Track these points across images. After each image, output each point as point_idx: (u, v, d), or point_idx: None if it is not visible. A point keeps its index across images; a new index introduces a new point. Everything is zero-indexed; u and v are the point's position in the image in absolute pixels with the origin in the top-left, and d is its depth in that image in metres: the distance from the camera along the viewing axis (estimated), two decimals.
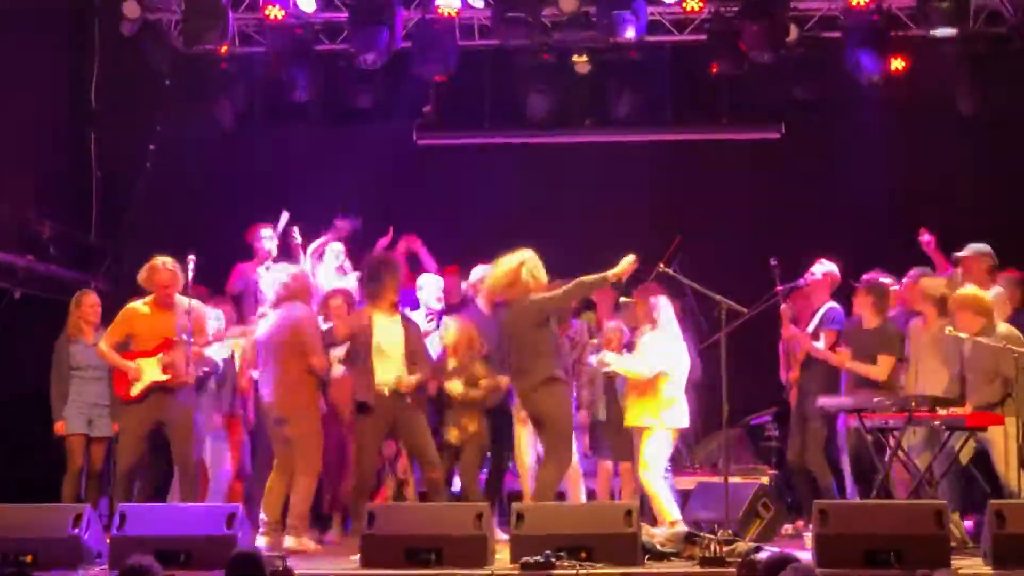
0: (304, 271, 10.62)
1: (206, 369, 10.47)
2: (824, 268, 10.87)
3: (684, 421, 10.13)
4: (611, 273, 9.83)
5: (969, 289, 9.91)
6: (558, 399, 9.81)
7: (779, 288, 10.67)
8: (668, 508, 9.85)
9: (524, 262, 9.86)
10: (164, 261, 10.05)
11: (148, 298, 10.12)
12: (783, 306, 10.75)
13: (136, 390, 9.94)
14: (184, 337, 9.91)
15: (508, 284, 9.90)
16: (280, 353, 10.01)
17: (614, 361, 10.14)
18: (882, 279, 10.63)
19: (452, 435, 10.28)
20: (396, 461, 10.69)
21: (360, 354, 10.05)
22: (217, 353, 10.61)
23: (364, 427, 10.04)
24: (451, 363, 10.35)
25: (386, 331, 10.06)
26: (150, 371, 9.94)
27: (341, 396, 10.52)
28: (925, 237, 11.21)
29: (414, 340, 10.13)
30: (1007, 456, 9.36)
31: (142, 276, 10.12)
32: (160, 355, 9.95)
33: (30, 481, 10.84)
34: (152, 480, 10.49)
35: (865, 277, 10.65)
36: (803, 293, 11.02)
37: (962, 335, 9.66)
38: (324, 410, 10.44)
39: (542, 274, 9.89)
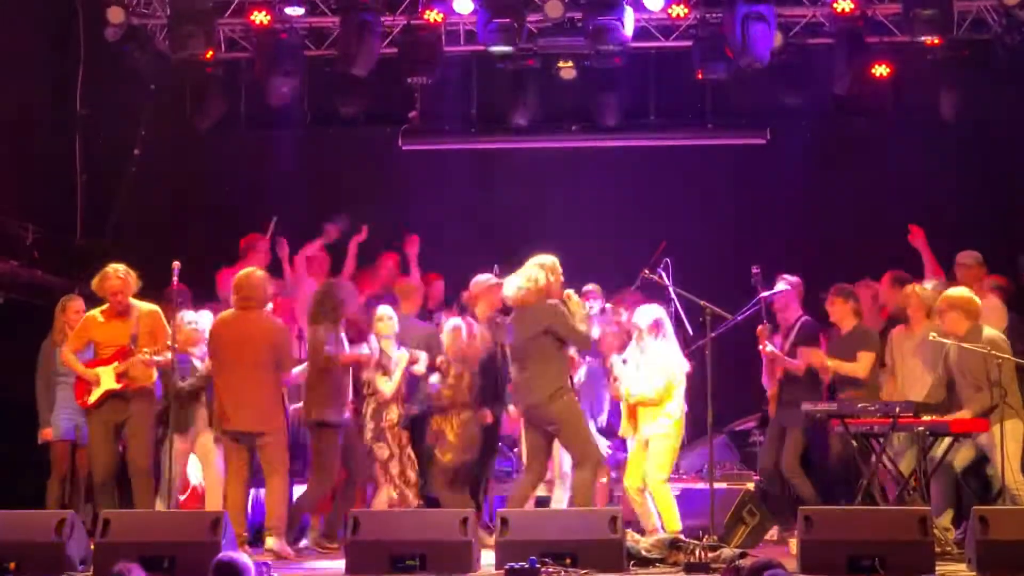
0: (261, 275, 10.21)
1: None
2: (787, 282, 10.89)
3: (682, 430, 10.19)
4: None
5: (960, 290, 9.92)
6: (570, 406, 9.85)
7: (763, 294, 10.69)
8: (673, 519, 9.82)
9: (551, 268, 9.86)
10: (116, 268, 10.01)
11: (104, 306, 10.11)
12: (760, 327, 10.75)
13: (93, 398, 9.96)
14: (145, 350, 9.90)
15: (537, 291, 9.84)
16: (249, 362, 9.83)
17: (631, 396, 10.05)
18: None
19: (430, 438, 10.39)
20: (388, 464, 10.54)
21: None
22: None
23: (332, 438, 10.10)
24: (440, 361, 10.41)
25: None
26: (106, 379, 9.94)
27: None
28: (913, 234, 11.29)
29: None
30: (1003, 460, 9.39)
31: (95, 283, 10.10)
32: (115, 363, 9.94)
33: (13, 487, 10.81)
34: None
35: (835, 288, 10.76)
36: (777, 307, 11.03)
37: (945, 340, 9.70)
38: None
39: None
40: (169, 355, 9.97)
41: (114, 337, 10.00)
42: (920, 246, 11.31)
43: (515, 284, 9.90)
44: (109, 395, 9.94)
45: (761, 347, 10.74)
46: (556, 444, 10.18)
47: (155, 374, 10.10)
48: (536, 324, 9.76)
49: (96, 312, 10.13)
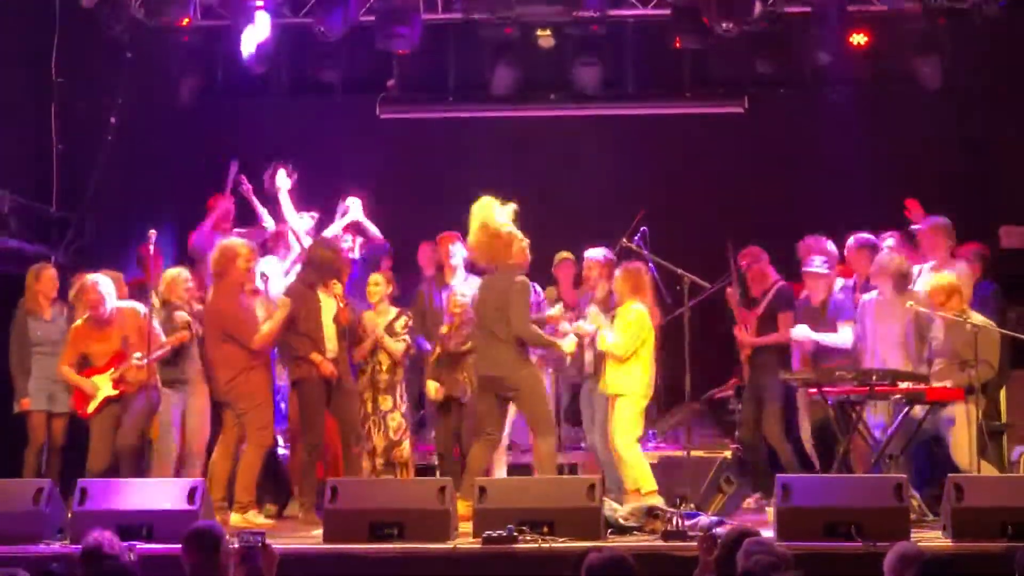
0: (229, 244, 10.20)
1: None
2: (750, 256, 10.89)
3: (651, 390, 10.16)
4: (560, 345, 9.98)
5: (945, 276, 9.91)
6: (535, 374, 9.91)
7: (741, 263, 10.71)
8: (645, 476, 9.80)
9: (510, 224, 9.83)
10: (94, 281, 9.94)
11: (85, 316, 10.06)
12: (728, 290, 10.78)
13: (92, 407, 9.94)
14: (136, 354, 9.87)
15: (503, 245, 9.81)
16: (209, 335, 10.03)
17: (603, 343, 10.06)
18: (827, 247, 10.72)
19: (431, 389, 10.50)
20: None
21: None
22: None
23: (313, 396, 10.03)
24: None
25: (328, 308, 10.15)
26: (104, 387, 9.93)
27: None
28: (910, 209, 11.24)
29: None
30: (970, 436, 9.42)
31: (72, 294, 10.16)
32: (111, 370, 9.92)
33: None
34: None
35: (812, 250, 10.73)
36: (752, 281, 11.03)
37: (923, 309, 9.72)
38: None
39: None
40: (160, 352, 9.99)
41: (105, 344, 9.98)
42: (918, 221, 11.22)
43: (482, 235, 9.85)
44: (107, 402, 9.95)
45: (736, 331, 10.79)
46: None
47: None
48: (506, 300, 9.72)
49: (79, 323, 10.08)
